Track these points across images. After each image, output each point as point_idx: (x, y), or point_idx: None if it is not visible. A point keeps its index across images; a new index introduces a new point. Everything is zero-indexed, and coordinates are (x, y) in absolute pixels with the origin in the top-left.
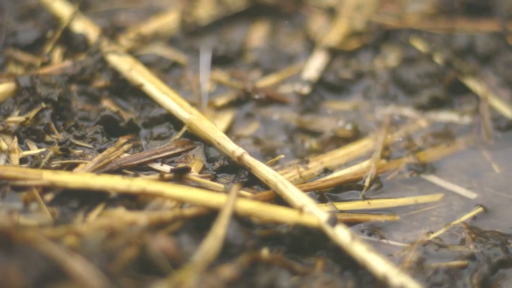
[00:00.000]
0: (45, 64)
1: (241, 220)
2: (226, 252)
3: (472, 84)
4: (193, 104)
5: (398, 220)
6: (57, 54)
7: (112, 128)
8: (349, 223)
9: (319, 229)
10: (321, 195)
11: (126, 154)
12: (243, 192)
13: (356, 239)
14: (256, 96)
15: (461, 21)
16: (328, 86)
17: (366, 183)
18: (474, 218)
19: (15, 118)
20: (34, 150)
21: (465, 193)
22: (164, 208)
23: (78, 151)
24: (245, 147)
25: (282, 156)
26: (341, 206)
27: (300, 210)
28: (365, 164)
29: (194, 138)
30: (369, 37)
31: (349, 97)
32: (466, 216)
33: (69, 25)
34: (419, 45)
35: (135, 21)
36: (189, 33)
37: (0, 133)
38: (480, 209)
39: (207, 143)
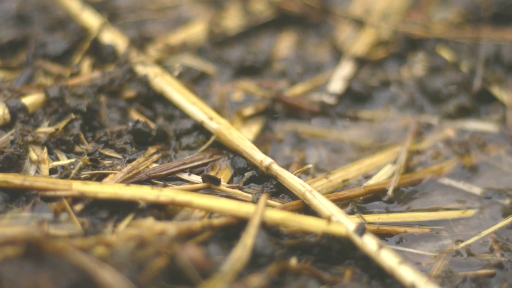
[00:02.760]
0: (74, 75)
1: (269, 229)
2: (255, 261)
3: (499, 92)
4: (221, 114)
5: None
6: (86, 65)
7: (141, 139)
8: (377, 234)
9: (347, 238)
10: (349, 206)
11: (155, 164)
12: (271, 202)
13: (384, 248)
14: (284, 106)
15: (487, 30)
16: (355, 96)
17: (389, 192)
18: (502, 226)
19: (45, 129)
20: (64, 160)
21: (492, 201)
22: (193, 218)
23: (107, 162)
24: (272, 156)
25: (310, 165)
26: (369, 218)
27: (328, 219)
28: (392, 173)
29: (222, 147)
30: (395, 47)
31: (375, 106)
32: (496, 226)
33: (98, 36)
34: (446, 54)
35: (163, 31)
36: (217, 44)
37: (30, 144)
38: (510, 219)
39: (235, 153)
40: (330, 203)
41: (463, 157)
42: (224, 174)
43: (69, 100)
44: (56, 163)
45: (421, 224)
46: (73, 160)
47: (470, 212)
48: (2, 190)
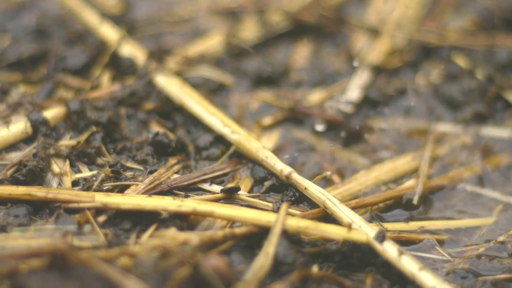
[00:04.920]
0: (94, 88)
1: (290, 238)
2: (277, 270)
3: None
4: (240, 124)
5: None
6: (106, 78)
7: (161, 150)
8: (397, 241)
9: (368, 245)
10: (368, 213)
11: (176, 175)
12: (292, 210)
13: (404, 254)
14: (302, 115)
15: (501, 36)
16: (371, 104)
17: (415, 201)
18: None
19: (67, 142)
20: (86, 173)
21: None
22: (215, 227)
23: (129, 173)
24: (291, 165)
25: (329, 172)
26: (389, 225)
27: (349, 227)
28: (411, 180)
29: (242, 157)
30: (411, 55)
31: (392, 114)
32: None
33: (117, 49)
34: (461, 62)
35: (181, 44)
36: (235, 55)
37: (52, 157)
38: None
39: (255, 162)
40: (350, 210)
41: (481, 163)
42: (244, 184)
43: (90, 113)
44: (78, 175)
45: (441, 231)
46: (95, 172)
47: (489, 220)
48: (26, 203)
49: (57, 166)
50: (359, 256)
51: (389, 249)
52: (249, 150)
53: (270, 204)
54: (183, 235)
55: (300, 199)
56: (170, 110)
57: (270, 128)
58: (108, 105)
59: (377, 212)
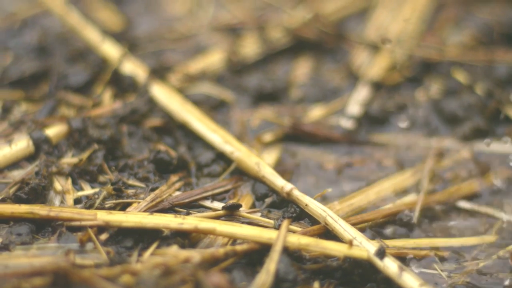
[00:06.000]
0: (96, 105)
1: (292, 255)
2: (279, 287)
3: None
4: (241, 141)
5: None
6: (107, 95)
7: (163, 167)
8: (397, 257)
9: (369, 261)
10: (369, 229)
11: (177, 192)
12: (293, 227)
13: (405, 270)
14: (302, 133)
15: (501, 52)
16: (372, 120)
17: (415, 218)
18: None
19: (69, 160)
20: (88, 190)
21: (511, 221)
22: (216, 245)
23: (130, 191)
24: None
25: (329, 189)
26: (389, 243)
27: (350, 243)
28: (411, 196)
29: (243, 173)
30: (411, 70)
31: (393, 129)
32: None
33: (119, 67)
34: (460, 77)
35: (183, 60)
36: (236, 71)
37: (55, 175)
38: None
39: (256, 179)
40: (351, 227)
41: (480, 179)
42: (245, 200)
43: (92, 131)
44: (80, 193)
45: (441, 248)
46: (97, 190)
47: (490, 238)
48: (28, 221)
49: (59, 184)
50: (360, 273)
51: (390, 265)
52: (250, 167)
53: (272, 221)
54: (185, 253)
55: (301, 215)
56: (171, 127)
57: (271, 145)
58: (110, 122)
59: (377, 228)
